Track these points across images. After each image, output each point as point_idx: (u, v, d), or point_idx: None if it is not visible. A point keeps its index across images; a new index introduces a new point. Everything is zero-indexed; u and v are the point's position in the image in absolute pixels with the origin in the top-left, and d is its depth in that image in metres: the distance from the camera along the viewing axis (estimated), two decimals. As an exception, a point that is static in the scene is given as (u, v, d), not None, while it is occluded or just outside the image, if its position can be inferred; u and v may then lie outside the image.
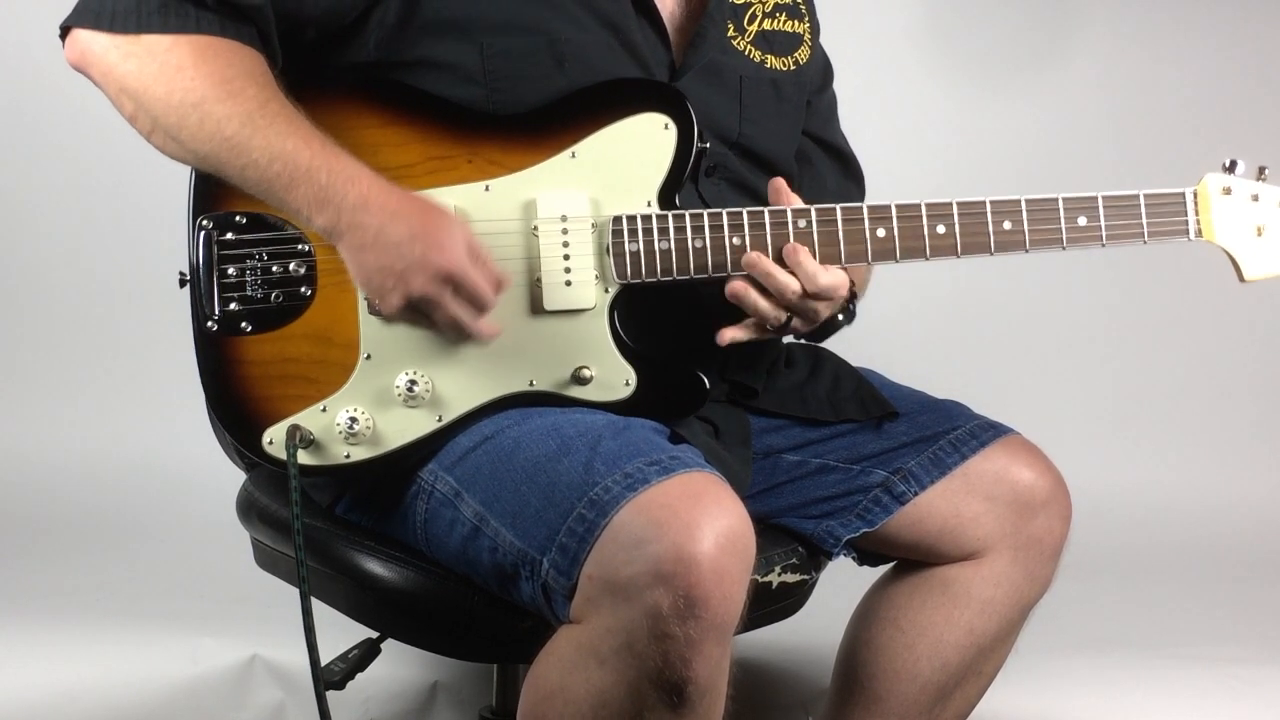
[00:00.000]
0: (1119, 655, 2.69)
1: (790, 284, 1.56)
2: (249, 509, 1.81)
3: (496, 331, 1.51)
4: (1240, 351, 3.67)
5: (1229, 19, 3.69)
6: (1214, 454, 3.60)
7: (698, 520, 1.33)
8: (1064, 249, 1.62)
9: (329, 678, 1.60)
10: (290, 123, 1.46)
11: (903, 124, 3.55)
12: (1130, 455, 3.56)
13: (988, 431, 1.77)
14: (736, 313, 1.70)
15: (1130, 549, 3.25)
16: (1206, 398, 3.68)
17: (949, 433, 1.77)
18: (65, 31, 1.53)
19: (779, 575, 1.71)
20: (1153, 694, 2.54)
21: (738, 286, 1.57)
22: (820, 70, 1.89)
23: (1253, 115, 3.66)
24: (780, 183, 1.61)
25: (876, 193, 1.89)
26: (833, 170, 1.91)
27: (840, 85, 1.93)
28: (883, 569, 1.87)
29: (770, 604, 1.71)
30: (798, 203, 1.60)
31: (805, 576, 1.76)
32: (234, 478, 1.87)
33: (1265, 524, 3.44)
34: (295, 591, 1.53)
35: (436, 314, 1.47)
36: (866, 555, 1.84)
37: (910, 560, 1.81)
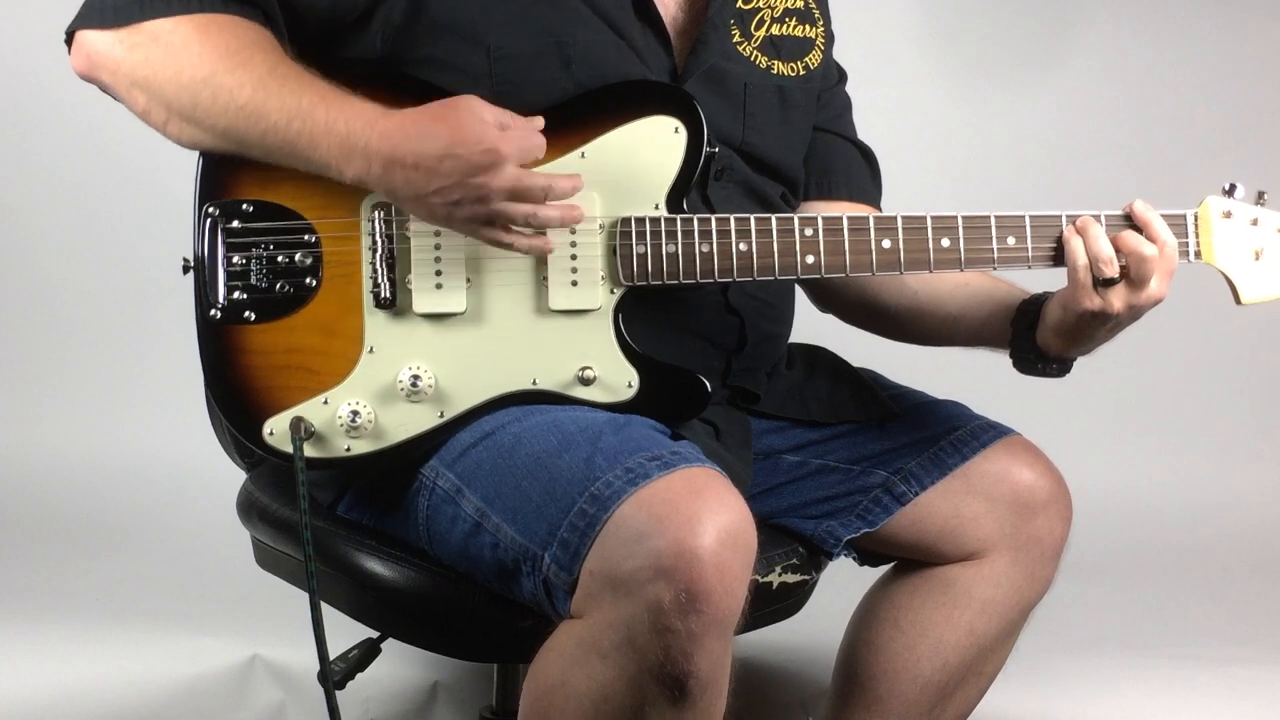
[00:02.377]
0: (1119, 655, 2.69)
1: (1143, 242, 1.57)
2: (249, 509, 1.81)
3: (574, 182, 1.49)
4: (1240, 352, 3.67)
5: (1232, 17, 3.68)
6: (1214, 454, 3.59)
7: (699, 515, 1.33)
8: (1064, 265, 1.62)
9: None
10: (301, 80, 1.46)
11: (904, 123, 3.54)
12: (1130, 456, 3.55)
13: (988, 432, 1.77)
14: (742, 318, 1.70)
15: (1130, 549, 3.24)
16: (1207, 398, 3.68)
17: (950, 433, 1.77)
18: (70, 39, 1.53)
19: (779, 575, 1.72)
20: (1153, 694, 2.53)
21: (1069, 231, 1.58)
22: (834, 72, 1.89)
23: (1255, 114, 3.66)
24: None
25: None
26: (859, 164, 1.90)
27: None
28: (883, 569, 1.87)
29: (771, 604, 1.72)
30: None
31: (805, 577, 1.76)
32: (234, 478, 1.87)
33: (1265, 524, 3.44)
34: (296, 591, 1.53)
35: (517, 194, 1.45)
36: (867, 555, 1.84)
37: (910, 560, 1.81)
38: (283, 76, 1.46)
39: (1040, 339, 1.68)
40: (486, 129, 1.44)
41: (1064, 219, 1.61)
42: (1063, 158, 3.60)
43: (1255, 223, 1.65)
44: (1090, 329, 1.62)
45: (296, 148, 1.45)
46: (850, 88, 1.94)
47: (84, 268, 3.52)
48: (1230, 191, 1.64)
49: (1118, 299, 1.59)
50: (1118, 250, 1.57)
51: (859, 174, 1.90)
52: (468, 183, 1.44)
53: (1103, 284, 1.58)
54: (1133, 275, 1.58)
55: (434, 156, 1.43)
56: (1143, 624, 2.90)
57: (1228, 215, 1.64)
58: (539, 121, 1.50)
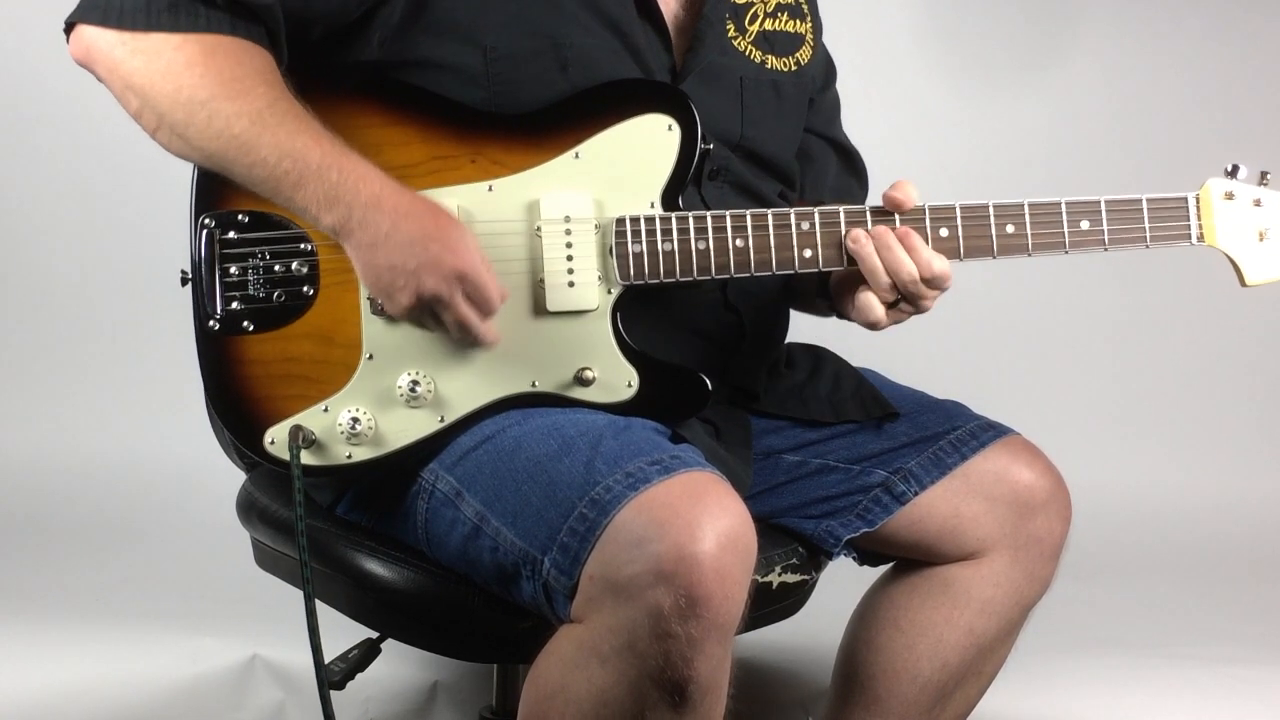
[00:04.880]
0: (1119, 655, 2.69)
1: (905, 263, 1.55)
2: (249, 509, 1.81)
3: (499, 338, 1.51)
4: (1240, 351, 3.67)
5: (1231, 17, 3.69)
6: (1214, 454, 3.60)
7: (699, 519, 1.33)
8: (1066, 253, 1.62)
9: (329, 678, 1.59)
10: (299, 121, 1.46)
11: (905, 123, 3.55)
12: (1130, 455, 3.56)
13: (988, 431, 1.77)
14: (741, 315, 1.70)
15: (1130, 549, 3.25)
16: (1207, 398, 3.68)
17: (949, 433, 1.77)
18: (70, 27, 1.53)
19: (779, 575, 1.71)
20: (1153, 694, 2.54)
21: (859, 236, 1.56)
22: (823, 69, 1.89)
23: (1254, 113, 3.67)
24: (903, 186, 1.60)
25: (877, 193, 1.89)
26: (834, 164, 1.91)
27: (842, 84, 1.93)
28: (883, 569, 1.87)
29: (770, 604, 1.72)
30: (915, 202, 1.59)
31: (805, 576, 1.76)
32: (234, 478, 1.87)
33: (1265, 524, 3.44)
34: (295, 591, 1.53)
35: (445, 314, 1.47)
36: (866, 555, 1.84)
37: (910, 560, 1.81)
38: (281, 114, 1.46)
39: (842, 312, 1.70)
40: (466, 248, 1.46)
41: (1063, 205, 1.61)
42: (1062, 157, 3.61)
43: (1258, 204, 1.64)
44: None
45: (281, 185, 1.46)
46: (850, 87, 1.94)
47: (85, 268, 3.52)
48: (1233, 173, 1.64)
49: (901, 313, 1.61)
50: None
51: (832, 176, 1.90)
52: (418, 274, 1.44)
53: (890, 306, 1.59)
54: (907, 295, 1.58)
55: (407, 237, 1.44)
56: (1143, 624, 2.91)
57: (1230, 197, 1.64)
58: (506, 293, 1.51)
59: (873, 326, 1.61)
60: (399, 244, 1.44)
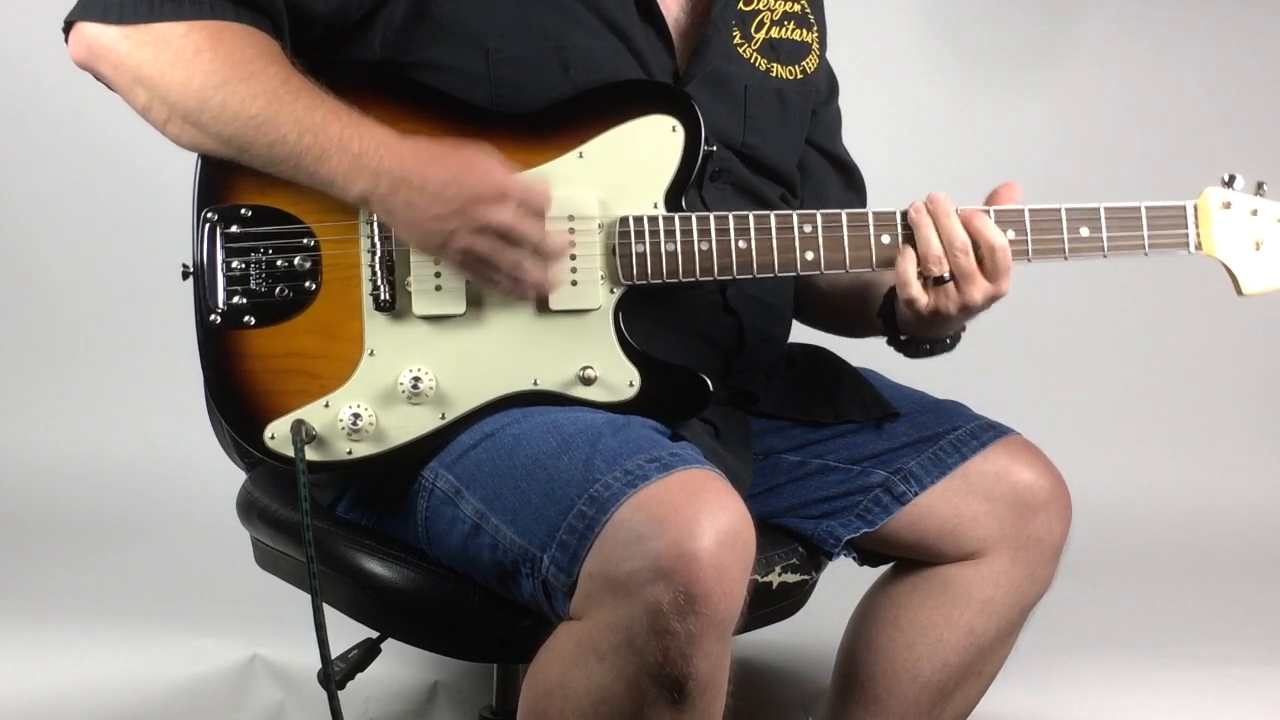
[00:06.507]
0: (1119, 655, 2.69)
1: (958, 230, 1.54)
2: (249, 509, 1.81)
3: (566, 242, 1.51)
4: (1240, 352, 3.68)
5: (1230, 17, 3.69)
6: (1214, 454, 3.60)
7: (698, 516, 1.33)
8: (1066, 259, 1.62)
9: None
10: (315, 96, 1.47)
11: (904, 123, 3.55)
12: (1130, 455, 3.56)
13: (988, 432, 1.77)
14: (740, 319, 1.70)
15: (1130, 549, 3.25)
16: (1207, 398, 3.68)
17: (949, 433, 1.77)
18: (69, 27, 1.53)
19: (779, 575, 1.72)
20: (1153, 694, 2.54)
21: (918, 207, 1.55)
22: (826, 81, 1.89)
23: (1253, 114, 3.67)
24: (1014, 190, 1.59)
25: (877, 193, 1.90)
26: (835, 181, 1.90)
27: (842, 84, 1.93)
28: (883, 569, 1.87)
29: (770, 604, 1.72)
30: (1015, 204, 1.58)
31: (805, 577, 1.76)
32: (234, 478, 1.87)
33: (1265, 524, 3.44)
34: (295, 591, 1.53)
35: (513, 235, 1.46)
36: (867, 555, 1.84)
37: (910, 560, 1.81)
38: (296, 90, 1.46)
39: (901, 326, 1.67)
40: (496, 168, 1.46)
41: (1063, 212, 1.60)
42: (1063, 157, 3.61)
43: (1255, 213, 1.65)
44: (935, 319, 1.60)
45: (303, 161, 1.46)
46: (850, 88, 1.94)
47: (85, 267, 3.53)
48: (1230, 182, 1.65)
49: (949, 299, 1.57)
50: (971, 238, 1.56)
51: (831, 189, 1.90)
52: (466, 211, 1.45)
53: (933, 281, 1.56)
54: (986, 267, 1.56)
55: (440, 181, 1.45)
56: (1143, 624, 2.91)
57: (1227, 206, 1.65)
58: (548, 181, 1.50)
59: (911, 304, 1.57)
60: (434, 193, 1.45)
